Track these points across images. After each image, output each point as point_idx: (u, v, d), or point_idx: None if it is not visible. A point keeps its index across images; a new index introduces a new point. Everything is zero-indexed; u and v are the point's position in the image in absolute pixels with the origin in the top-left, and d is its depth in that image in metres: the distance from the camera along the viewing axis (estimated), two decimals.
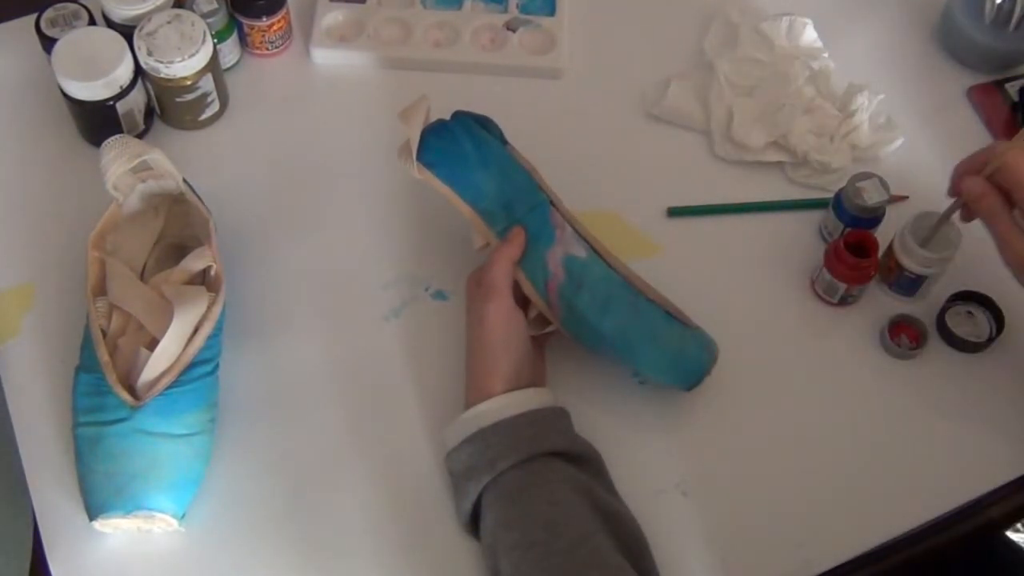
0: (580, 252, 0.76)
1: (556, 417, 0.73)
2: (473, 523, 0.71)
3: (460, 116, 0.80)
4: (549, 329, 0.77)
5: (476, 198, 0.78)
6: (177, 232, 0.82)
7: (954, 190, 0.76)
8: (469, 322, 0.77)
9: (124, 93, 0.85)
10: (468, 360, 0.76)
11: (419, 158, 0.77)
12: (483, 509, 0.69)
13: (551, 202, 0.78)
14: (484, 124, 0.80)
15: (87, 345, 0.74)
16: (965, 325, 0.82)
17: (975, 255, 0.80)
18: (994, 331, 0.82)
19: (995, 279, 0.80)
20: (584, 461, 0.72)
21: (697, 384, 0.75)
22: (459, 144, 0.78)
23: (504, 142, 0.81)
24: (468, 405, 0.73)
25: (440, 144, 0.78)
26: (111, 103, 0.85)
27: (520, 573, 0.65)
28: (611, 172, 0.90)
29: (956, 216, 0.77)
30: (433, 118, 0.80)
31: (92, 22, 0.89)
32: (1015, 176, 0.72)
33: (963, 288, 0.83)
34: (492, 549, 0.68)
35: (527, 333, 0.76)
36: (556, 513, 0.66)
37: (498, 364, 0.73)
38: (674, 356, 0.74)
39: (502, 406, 0.71)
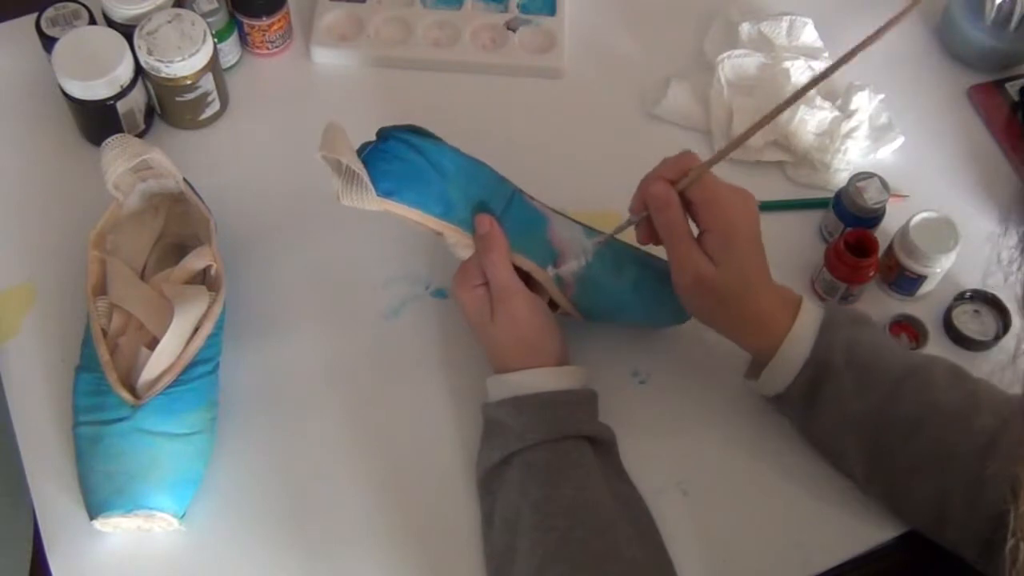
0: (576, 232, 0.75)
1: (588, 401, 0.74)
2: (486, 479, 0.72)
3: (391, 132, 0.74)
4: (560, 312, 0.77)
5: (447, 211, 0.73)
6: (177, 231, 0.82)
7: (639, 198, 0.72)
8: (499, 323, 0.73)
9: (124, 92, 0.85)
10: (506, 357, 0.74)
11: (377, 190, 0.71)
12: (506, 474, 0.70)
13: (519, 189, 0.76)
14: (416, 132, 0.74)
15: (87, 344, 0.74)
16: (972, 323, 0.82)
17: (975, 255, 0.80)
18: (1000, 330, 0.82)
19: (995, 278, 0.80)
20: (605, 446, 0.72)
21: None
22: (408, 161, 0.72)
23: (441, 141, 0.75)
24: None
25: (390, 167, 0.72)
26: (111, 102, 0.85)
27: (535, 555, 0.65)
28: (611, 172, 0.89)
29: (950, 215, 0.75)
30: (422, 128, 0.75)
31: (92, 21, 0.89)
32: (709, 192, 0.69)
33: (965, 287, 0.83)
34: (511, 523, 0.68)
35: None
36: (579, 500, 0.67)
37: (544, 346, 0.73)
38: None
39: (544, 380, 0.72)
